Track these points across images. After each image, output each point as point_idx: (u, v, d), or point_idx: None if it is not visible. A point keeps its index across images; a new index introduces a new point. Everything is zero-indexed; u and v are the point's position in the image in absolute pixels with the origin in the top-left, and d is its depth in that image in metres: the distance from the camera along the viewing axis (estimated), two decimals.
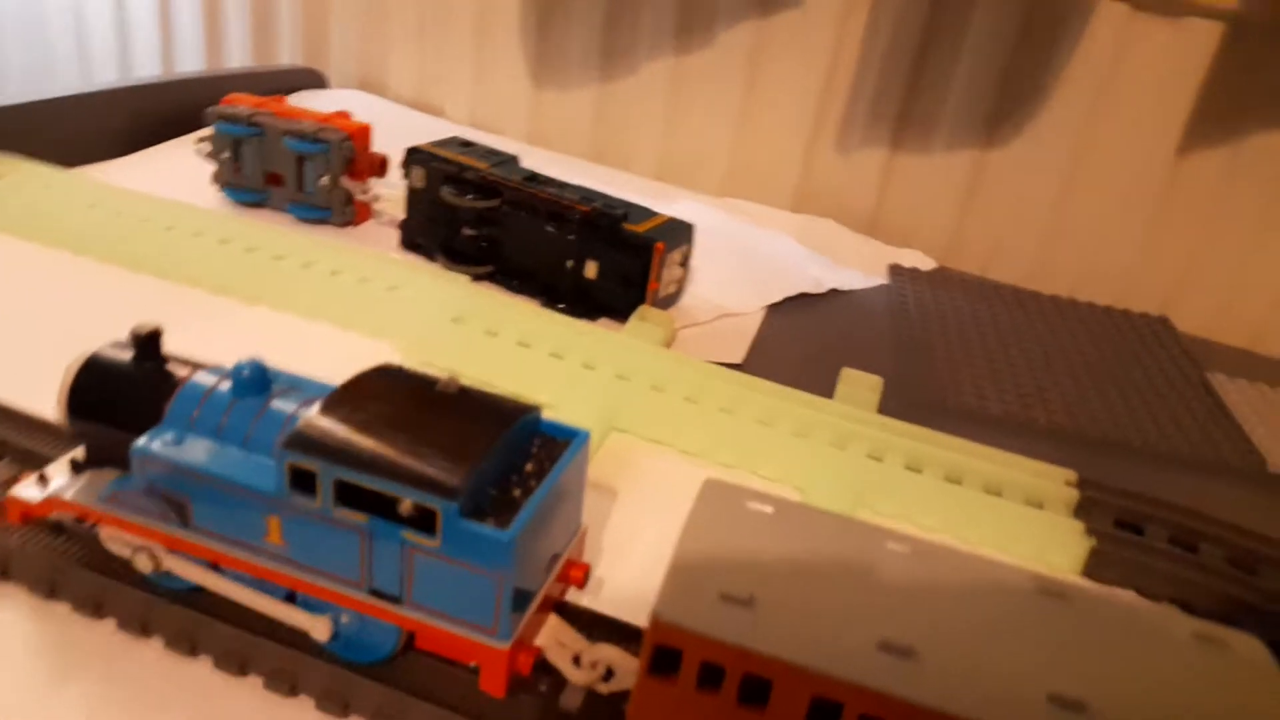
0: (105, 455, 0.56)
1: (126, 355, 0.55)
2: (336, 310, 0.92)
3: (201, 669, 0.54)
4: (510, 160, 1.08)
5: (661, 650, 0.43)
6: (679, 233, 0.99)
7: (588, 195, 1.01)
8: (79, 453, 0.57)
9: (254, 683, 0.54)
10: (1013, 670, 0.41)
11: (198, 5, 1.78)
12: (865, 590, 0.44)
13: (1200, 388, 1.02)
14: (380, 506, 0.47)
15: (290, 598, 0.53)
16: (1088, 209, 1.27)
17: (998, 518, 0.75)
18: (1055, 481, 0.79)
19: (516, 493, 0.49)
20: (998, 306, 1.15)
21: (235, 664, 0.54)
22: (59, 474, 0.57)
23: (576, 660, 0.52)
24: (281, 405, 0.52)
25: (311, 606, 0.52)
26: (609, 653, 0.51)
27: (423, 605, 0.49)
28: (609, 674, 0.52)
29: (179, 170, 1.22)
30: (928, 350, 1.01)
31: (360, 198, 1.15)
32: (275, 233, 1.07)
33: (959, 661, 0.41)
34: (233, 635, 0.54)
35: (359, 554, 0.49)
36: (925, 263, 1.26)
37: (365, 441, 0.48)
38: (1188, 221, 1.24)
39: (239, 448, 0.51)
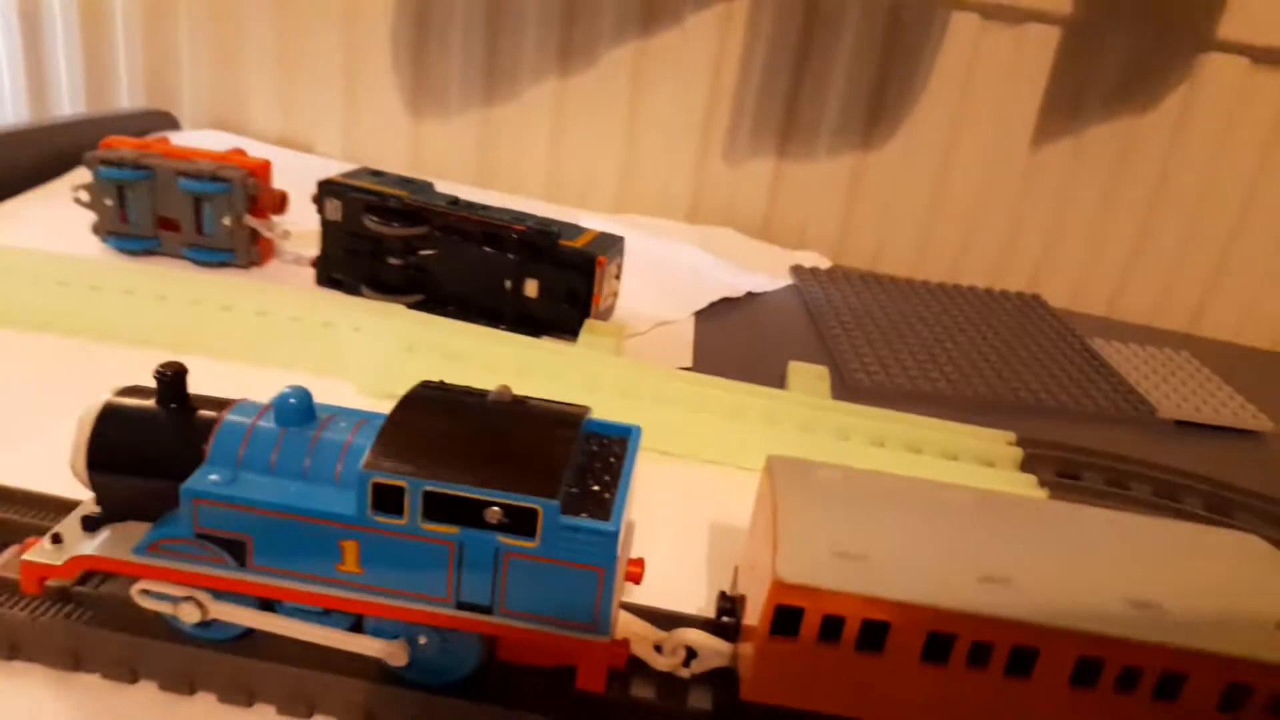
0: (126, 508, 0.53)
1: (144, 400, 0.52)
2: (276, 352, 0.89)
3: (263, 718, 0.51)
4: (426, 186, 1.07)
5: (782, 611, 0.45)
6: (612, 246, 1.01)
7: (515, 216, 1.02)
8: (88, 509, 0.53)
9: None
10: (1092, 584, 0.46)
11: (17, 48, 1.65)
12: (952, 534, 0.48)
13: (1084, 352, 1.14)
14: (469, 517, 0.47)
15: (354, 628, 0.52)
16: (957, 200, 1.39)
17: (961, 479, 0.80)
18: (999, 443, 0.86)
19: (596, 488, 0.50)
20: (895, 296, 1.24)
21: (302, 706, 0.52)
22: (71, 534, 0.53)
23: (658, 648, 0.53)
24: (335, 434, 0.51)
25: (381, 633, 0.51)
26: (690, 636, 0.53)
27: (516, 611, 0.49)
28: (689, 659, 0.54)
29: (47, 222, 1.13)
30: (844, 340, 1.08)
31: (267, 235, 1.10)
32: (182, 279, 1.01)
33: (1047, 583, 0.46)
34: (296, 676, 0.51)
35: (447, 568, 0.48)
36: (822, 262, 1.34)
37: (448, 453, 0.48)
38: (1045, 205, 1.38)
39: (298, 480, 0.50)
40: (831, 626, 0.45)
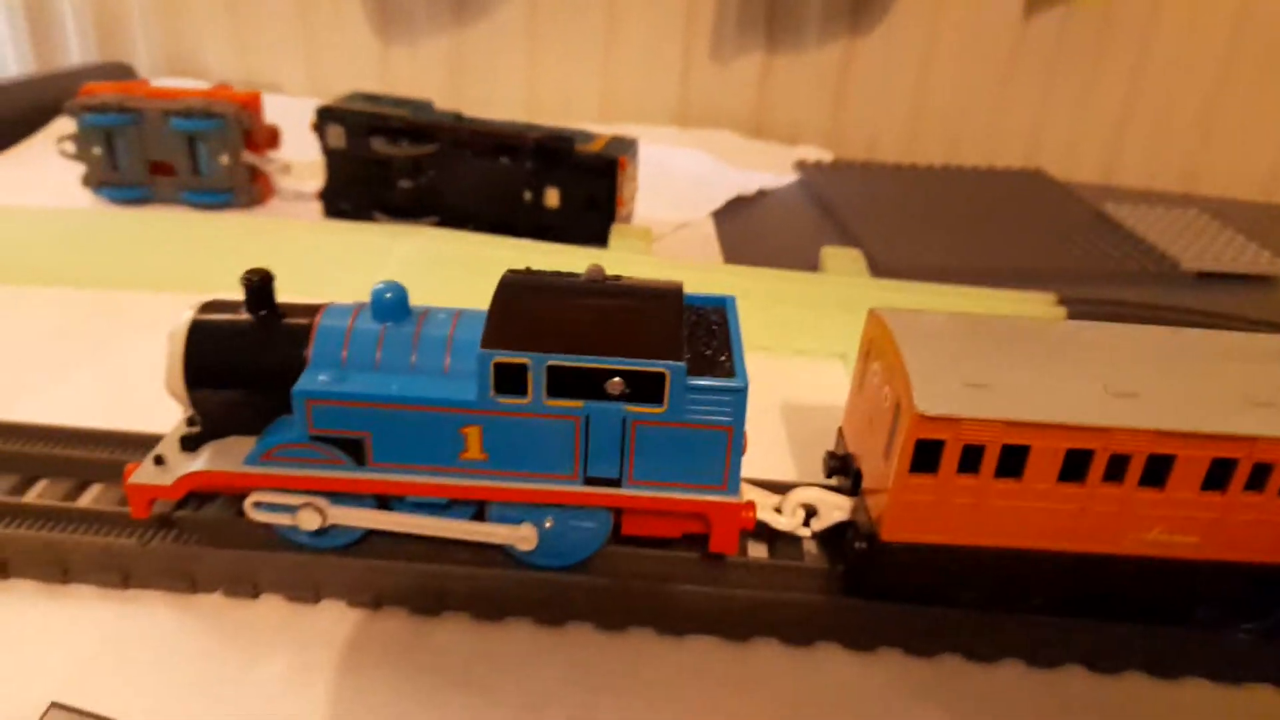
0: (227, 423, 0.51)
1: (231, 312, 0.51)
2: (302, 282, 0.86)
3: (393, 620, 0.51)
4: (426, 105, 1.05)
5: (923, 445, 0.45)
6: (628, 149, 0.99)
7: (523, 127, 1.00)
8: (183, 430, 0.52)
9: (455, 620, 0.51)
10: (1212, 391, 0.47)
11: None
12: (1068, 359, 0.49)
13: (1098, 216, 1.15)
14: (594, 390, 0.47)
15: (477, 518, 0.51)
16: (950, 80, 1.38)
17: None
18: (1043, 305, 0.87)
19: (708, 353, 0.50)
20: (902, 182, 1.24)
21: (431, 602, 0.51)
22: (172, 455, 0.51)
23: (778, 510, 0.54)
24: (435, 328, 0.50)
25: (505, 520, 0.51)
26: (809, 494, 0.53)
27: (646, 479, 0.49)
28: (809, 518, 0.54)
29: (27, 182, 1.09)
30: (866, 227, 1.08)
31: (266, 171, 1.07)
32: (187, 222, 0.98)
33: (1172, 393, 0.46)
34: (422, 572, 0.51)
35: (573, 444, 0.48)
36: (825, 155, 1.33)
37: (564, 329, 0.47)
38: (1037, 77, 1.38)
39: (406, 375, 0.49)
40: (971, 457, 0.45)
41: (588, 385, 0.46)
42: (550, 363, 0.46)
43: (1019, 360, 0.48)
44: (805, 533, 0.54)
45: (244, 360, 0.50)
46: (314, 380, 0.47)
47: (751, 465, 0.58)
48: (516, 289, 0.50)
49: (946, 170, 1.31)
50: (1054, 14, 1.33)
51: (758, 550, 0.56)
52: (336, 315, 0.50)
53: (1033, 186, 1.26)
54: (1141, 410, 0.45)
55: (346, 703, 0.46)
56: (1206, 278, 1.03)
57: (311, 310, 0.51)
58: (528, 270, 0.53)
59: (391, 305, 0.50)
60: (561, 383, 0.46)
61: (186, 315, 0.51)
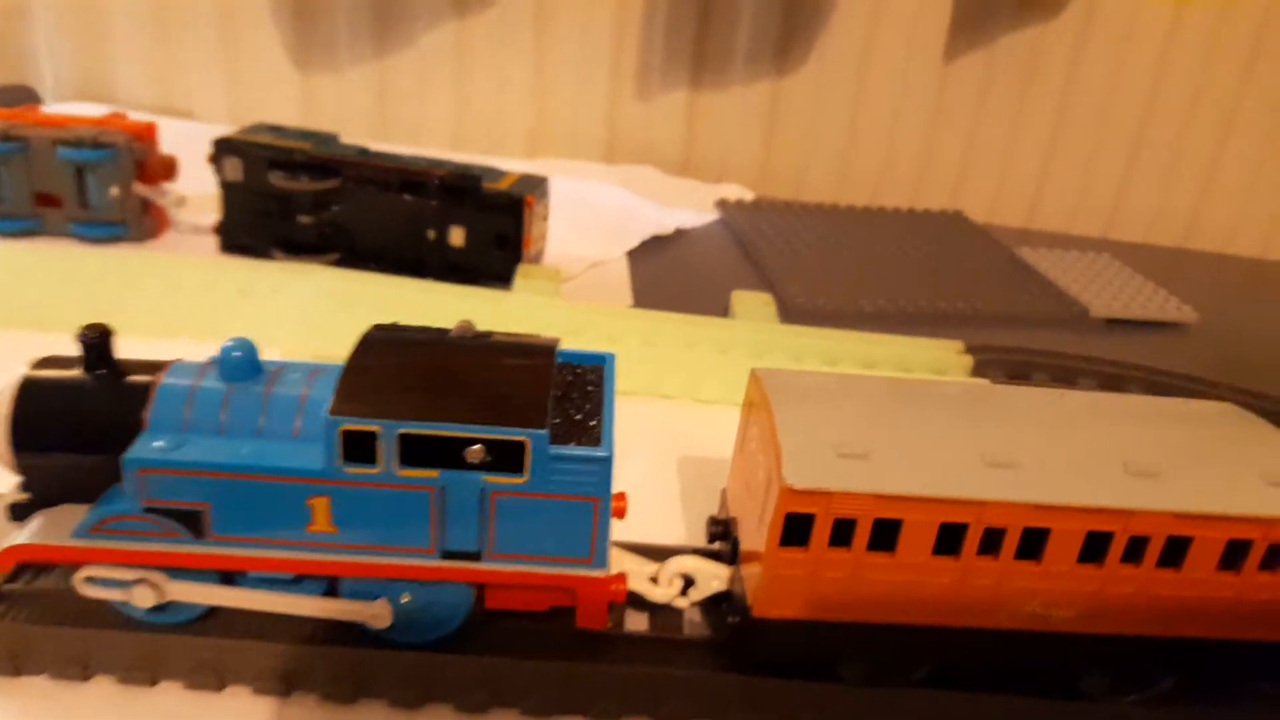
0: (58, 490, 0.47)
1: (67, 369, 0.47)
2: (190, 324, 0.82)
3: (237, 701, 0.47)
4: (331, 139, 1.01)
5: (792, 519, 0.43)
6: (537, 187, 0.97)
7: (431, 162, 0.97)
8: (13, 496, 0.48)
9: (304, 703, 0.48)
10: (1092, 460, 0.46)
11: None
12: (947, 426, 0.47)
13: (1012, 261, 1.15)
14: (449, 459, 0.44)
15: (329, 593, 0.48)
16: (875, 121, 1.38)
17: None
18: (949, 352, 0.86)
19: (578, 417, 0.47)
20: (821, 222, 1.23)
21: (280, 684, 0.48)
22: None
23: (654, 580, 0.51)
24: (287, 387, 0.47)
25: (359, 596, 0.48)
26: (686, 563, 0.51)
27: (506, 553, 0.46)
28: (685, 588, 0.52)
29: None
30: (780, 269, 1.07)
31: (159, 203, 1.02)
32: (74, 256, 0.93)
33: (1051, 463, 0.45)
34: (270, 652, 0.48)
35: (428, 516, 0.45)
36: (746, 194, 1.32)
37: (420, 393, 0.44)
38: (960, 121, 1.39)
39: (253, 440, 0.45)
40: (842, 531, 0.43)
41: (443, 454, 0.44)
42: (402, 430, 0.43)
43: (900, 427, 0.47)
44: (683, 603, 0.51)
45: (76, 422, 0.46)
46: (146, 447, 0.44)
47: (640, 524, 0.55)
48: (375, 347, 0.47)
49: (867, 211, 1.31)
50: (976, 58, 1.34)
51: (637, 620, 0.53)
52: (181, 374, 0.47)
53: (951, 229, 1.26)
54: (1018, 482, 0.44)
55: None
56: (1115, 324, 1.03)
57: (155, 368, 0.48)
58: (394, 325, 0.51)
59: (240, 364, 0.47)
60: (415, 451, 0.43)
61: (20, 372, 0.47)
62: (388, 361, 0.46)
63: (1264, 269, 1.38)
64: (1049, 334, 0.98)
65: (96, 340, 0.46)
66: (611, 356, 0.52)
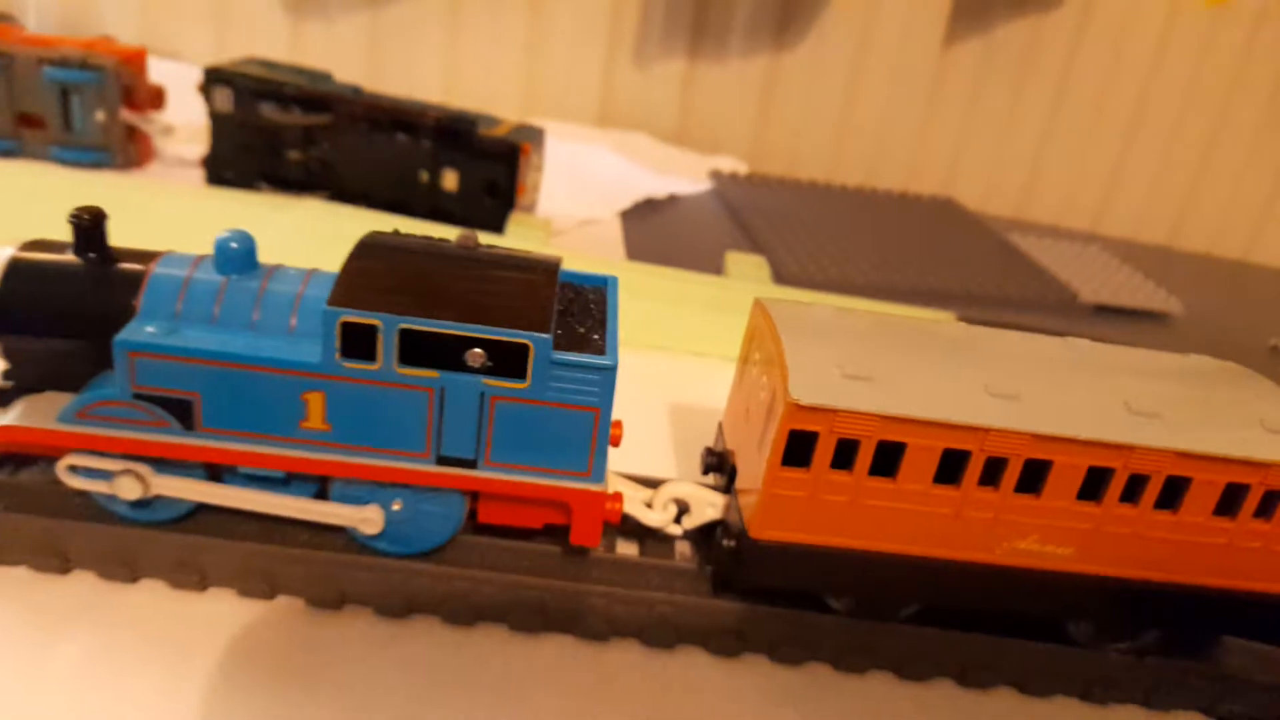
0: (43, 376, 0.46)
1: (58, 254, 0.45)
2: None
3: (218, 604, 0.46)
4: (325, 76, 0.99)
5: (796, 436, 0.43)
6: (533, 136, 0.96)
7: (425, 106, 0.96)
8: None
9: (289, 604, 0.47)
10: (1095, 398, 0.46)
11: None
12: (953, 358, 0.47)
13: (1003, 246, 1.16)
14: (450, 359, 0.43)
15: (319, 496, 0.47)
16: (871, 103, 1.38)
17: None
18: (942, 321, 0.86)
19: (581, 330, 0.47)
20: (814, 199, 1.24)
21: (264, 587, 0.47)
22: None
23: (649, 505, 0.51)
24: (283, 284, 0.46)
25: (350, 499, 0.47)
26: (682, 489, 0.50)
27: (503, 462, 0.45)
28: (680, 515, 0.51)
29: None
30: (773, 238, 1.07)
31: (146, 131, 1.00)
32: (53, 179, 0.91)
33: (1054, 397, 0.45)
34: (255, 553, 0.46)
35: (426, 418, 0.44)
36: (740, 166, 1.32)
37: (422, 292, 0.43)
38: (956, 108, 1.40)
39: (246, 333, 0.44)
40: (845, 452, 0.43)
41: (444, 354, 0.43)
42: (403, 325, 0.42)
43: (904, 357, 0.46)
44: (676, 530, 0.51)
45: (65, 306, 0.45)
46: (139, 331, 0.43)
47: (630, 461, 0.55)
48: (375, 249, 0.46)
49: (860, 192, 1.31)
50: (974, 46, 1.35)
51: (628, 548, 0.53)
52: (174, 264, 0.46)
53: (942, 214, 1.27)
54: (1021, 413, 0.44)
55: (146, 693, 0.41)
56: (1104, 310, 1.04)
57: (148, 257, 0.46)
58: (393, 232, 0.49)
59: (237, 256, 0.45)
60: (415, 349, 0.42)
61: (7, 252, 0.45)
62: (388, 263, 0.45)
63: (1246, 270, 1.40)
64: (1037, 317, 0.99)
65: (88, 223, 0.45)
66: (614, 279, 0.52)
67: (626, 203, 1.10)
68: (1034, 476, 0.44)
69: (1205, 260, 1.41)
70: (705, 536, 0.51)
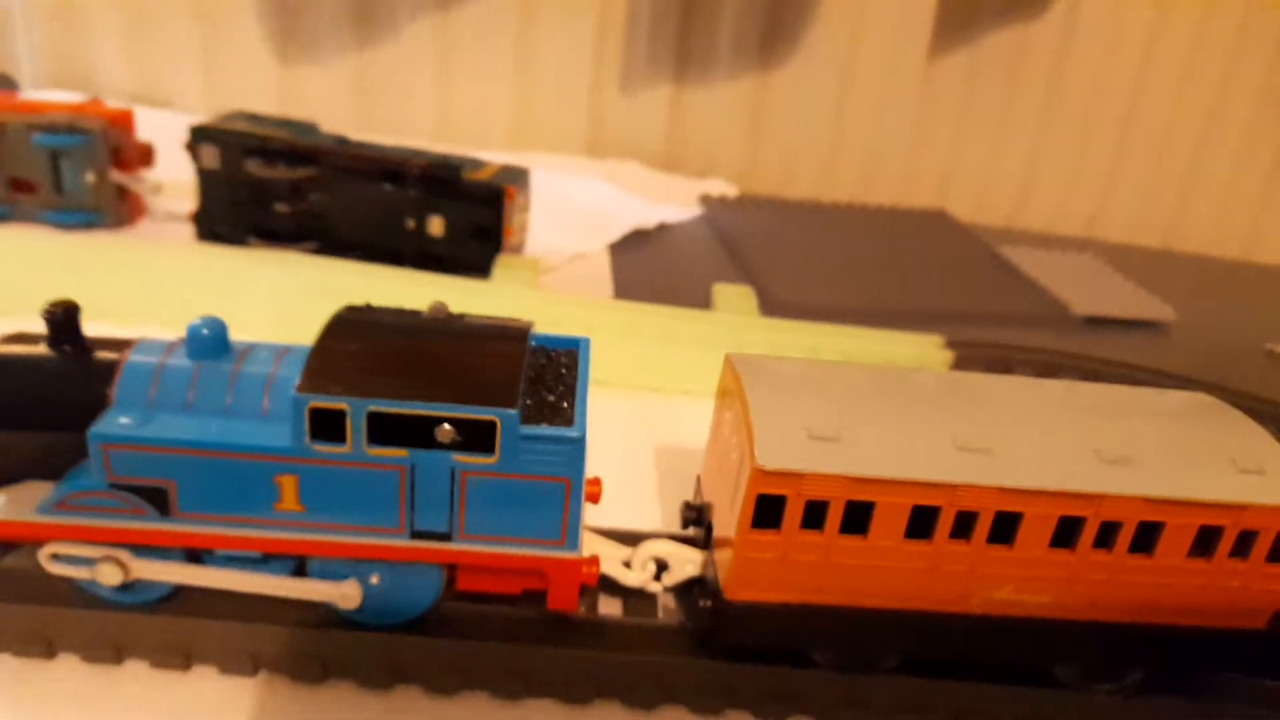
0: (20, 468, 0.47)
1: (32, 346, 0.46)
2: (165, 311, 0.81)
3: (204, 682, 0.47)
4: (310, 128, 1.00)
5: (764, 500, 0.43)
6: (518, 178, 0.97)
7: (410, 152, 0.96)
8: None
9: (271, 680, 0.47)
10: (1065, 446, 0.46)
11: None
12: (921, 411, 0.47)
13: (994, 259, 1.16)
14: (418, 438, 0.43)
15: (297, 573, 0.48)
16: (859, 119, 1.39)
17: None
18: (930, 347, 0.86)
19: (551, 399, 0.47)
20: (805, 219, 1.24)
21: (247, 664, 0.47)
22: None
23: (627, 564, 0.51)
24: (256, 366, 0.46)
25: (328, 575, 0.47)
26: (660, 547, 0.51)
27: (477, 534, 0.45)
28: (659, 572, 0.51)
29: None
30: (762, 263, 1.07)
31: (135, 190, 1.01)
32: (47, 243, 0.92)
33: (1024, 449, 0.45)
34: (237, 631, 0.47)
35: (398, 495, 0.44)
36: (730, 189, 1.32)
37: (390, 372, 0.44)
38: (944, 120, 1.40)
39: (220, 418, 0.45)
40: (814, 513, 0.43)
41: (413, 433, 0.43)
42: (371, 408, 0.42)
43: (873, 411, 0.46)
44: (656, 588, 0.51)
45: (41, 399, 0.45)
46: (113, 422, 0.43)
47: (613, 512, 0.55)
48: (345, 327, 0.47)
49: (851, 209, 1.31)
50: (960, 58, 1.35)
51: (611, 606, 0.53)
52: (147, 351, 0.46)
53: (934, 227, 1.27)
54: (990, 466, 0.44)
55: None
56: (1096, 322, 1.04)
57: (121, 345, 0.47)
58: (365, 306, 0.50)
59: (209, 341, 0.46)
60: (384, 430, 0.43)
61: None
62: (358, 341, 0.46)
63: (1245, 271, 1.39)
64: (1029, 332, 0.98)
65: (61, 316, 0.45)
66: (586, 340, 0.52)
67: (615, 235, 1.10)
68: (1006, 528, 0.44)
69: (1203, 262, 1.40)
70: (686, 592, 0.52)
